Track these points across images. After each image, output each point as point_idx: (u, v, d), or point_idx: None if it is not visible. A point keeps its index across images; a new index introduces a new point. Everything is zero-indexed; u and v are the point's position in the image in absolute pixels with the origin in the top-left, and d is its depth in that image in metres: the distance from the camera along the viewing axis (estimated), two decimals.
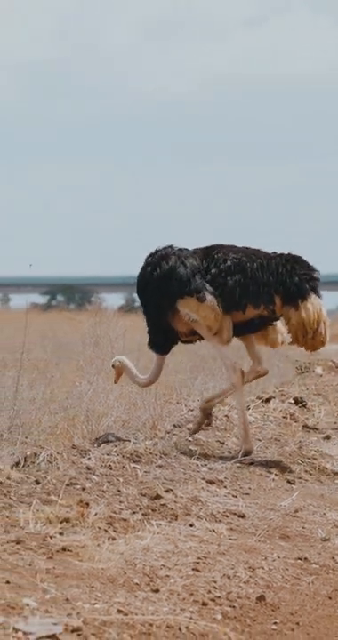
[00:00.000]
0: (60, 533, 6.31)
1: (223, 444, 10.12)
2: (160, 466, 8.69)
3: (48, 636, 4.61)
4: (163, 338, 9.86)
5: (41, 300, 64.20)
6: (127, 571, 5.83)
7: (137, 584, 5.64)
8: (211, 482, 8.43)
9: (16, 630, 4.60)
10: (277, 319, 9.71)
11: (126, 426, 10.12)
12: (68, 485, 7.56)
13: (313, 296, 9.47)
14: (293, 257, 9.69)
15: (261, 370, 9.86)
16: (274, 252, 9.74)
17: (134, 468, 8.47)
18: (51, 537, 6.20)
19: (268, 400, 12.44)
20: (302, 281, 9.49)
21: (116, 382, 10.27)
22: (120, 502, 7.39)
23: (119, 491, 7.71)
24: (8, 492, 7.20)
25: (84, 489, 7.62)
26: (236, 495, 8.20)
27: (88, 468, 8.20)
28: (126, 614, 5.07)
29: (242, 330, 9.74)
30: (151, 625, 5.00)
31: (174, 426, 10.42)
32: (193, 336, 9.88)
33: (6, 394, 10.02)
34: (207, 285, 9.48)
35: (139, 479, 8.16)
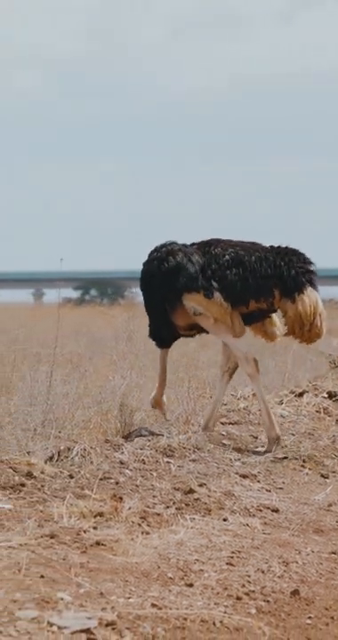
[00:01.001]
0: (94, 528, 6.32)
1: (257, 438, 10.10)
2: (194, 460, 8.69)
3: (82, 631, 4.62)
4: (166, 331, 9.93)
5: (74, 294, 64.50)
6: (161, 565, 5.84)
7: (171, 578, 5.64)
8: (244, 476, 8.42)
9: (50, 624, 4.62)
10: (275, 311, 9.77)
11: (160, 420, 10.13)
12: (101, 480, 7.58)
13: (309, 289, 9.54)
14: (291, 250, 9.75)
15: (231, 366, 9.90)
16: (271, 246, 9.78)
17: (168, 462, 8.48)
18: (84, 531, 6.21)
19: (301, 394, 12.40)
20: (299, 274, 9.55)
21: (166, 414, 10.25)
22: (154, 497, 7.40)
23: (153, 485, 7.71)
24: (42, 486, 7.23)
25: (117, 483, 7.63)
26: (269, 489, 8.19)
27: (122, 463, 8.21)
28: (160, 608, 5.07)
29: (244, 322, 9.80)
30: (185, 619, 5.00)
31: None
32: (191, 330, 9.95)
33: (40, 388, 10.05)
34: (213, 282, 9.52)
35: (172, 473, 8.16)
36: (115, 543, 6.06)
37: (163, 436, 9.16)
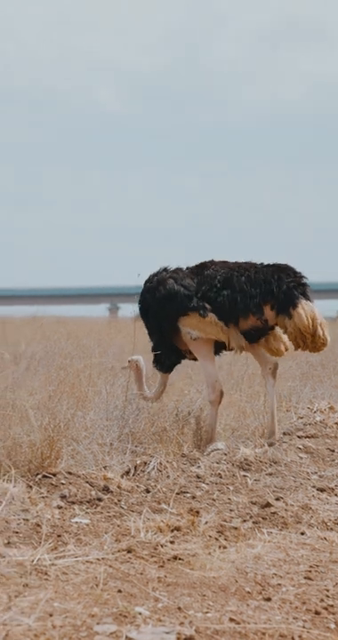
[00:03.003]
0: (171, 542, 6.32)
1: (333, 451, 10.02)
2: (270, 474, 8.65)
3: None
4: (168, 357, 10.13)
5: None
6: (239, 579, 5.81)
7: (249, 592, 5.61)
8: (321, 489, 8.36)
9: (129, 639, 4.62)
10: (273, 328, 9.84)
11: (236, 434, 10.11)
12: (178, 494, 7.58)
13: (303, 301, 9.67)
14: (279, 266, 9.86)
15: (271, 366, 9.95)
16: (261, 264, 9.86)
17: (244, 476, 8.45)
18: (162, 545, 6.22)
19: None
20: (291, 288, 9.66)
21: (124, 368, 10.44)
22: (230, 510, 7.38)
23: (229, 499, 7.69)
24: (119, 500, 7.25)
25: (194, 497, 7.63)
26: None
27: (198, 477, 8.20)
28: (239, 623, 5.05)
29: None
30: (264, 634, 4.97)
31: (284, 433, 10.37)
32: None
33: (116, 402, 10.09)
34: (205, 303, 9.65)
35: (249, 487, 8.13)
36: (192, 557, 6.06)
37: (239, 449, 9.14)
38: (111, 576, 5.55)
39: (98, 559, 5.84)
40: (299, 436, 10.25)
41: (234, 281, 9.71)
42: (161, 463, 8.23)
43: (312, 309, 9.61)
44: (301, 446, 9.86)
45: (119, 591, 5.30)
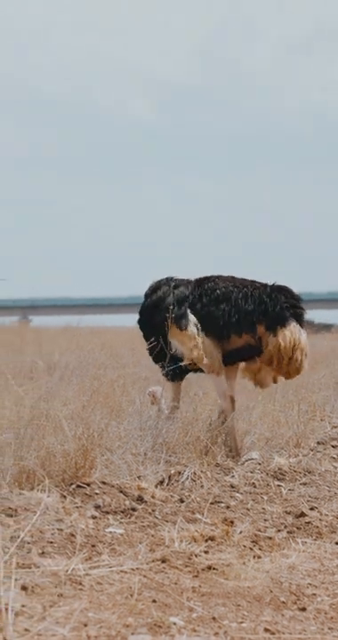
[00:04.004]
0: (206, 552, 6.31)
1: None
2: (304, 483, 8.63)
3: None
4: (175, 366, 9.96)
5: None
6: (273, 589, 5.80)
7: (283, 602, 5.59)
8: None
9: None
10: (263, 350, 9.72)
11: (270, 444, 10.09)
12: (212, 504, 7.57)
13: (293, 324, 9.57)
14: (279, 287, 9.77)
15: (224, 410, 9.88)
16: (261, 283, 9.81)
17: (278, 485, 8.43)
18: (196, 555, 6.21)
19: None
20: (284, 309, 9.59)
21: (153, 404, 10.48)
22: (265, 520, 7.37)
23: (264, 509, 7.68)
24: (153, 510, 7.25)
25: (228, 507, 7.62)
26: None
27: (232, 486, 8.19)
28: (273, 633, 5.03)
29: (232, 358, 9.81)
30: None
31: (318, 443, 10.34)
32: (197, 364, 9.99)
33: (150, 412, 10.10)
34: (191, 316, 9.65)
35: (283, 497, 8.11)
36: (226, 567, 6.05)
37: (273, 459, 9.12)
38: (146, 586, 5.55)
39: (132, 569, 5.84)
40: (333, 446, 10.22)
41: (231, 296, 9.64)
42: (195, 473, 8.22)
43: (299, 334, 9.53)
44: (335, 456, 9.83)
45: (154, 601, 5.30)
